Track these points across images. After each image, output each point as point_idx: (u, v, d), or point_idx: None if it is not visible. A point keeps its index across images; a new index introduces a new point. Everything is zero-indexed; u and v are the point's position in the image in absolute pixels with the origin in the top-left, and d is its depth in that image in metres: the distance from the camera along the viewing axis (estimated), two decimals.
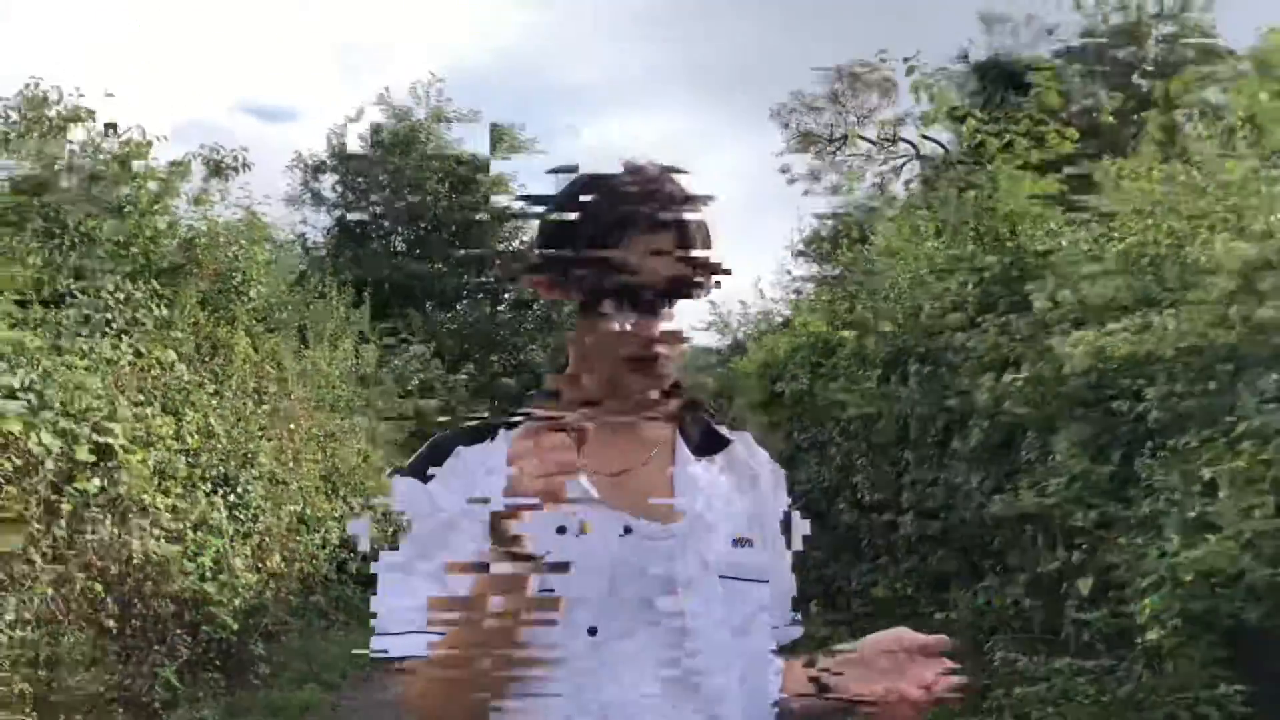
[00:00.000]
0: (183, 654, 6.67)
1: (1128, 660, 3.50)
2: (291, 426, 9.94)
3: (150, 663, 6.34)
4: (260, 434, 8.88)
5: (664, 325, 1.35)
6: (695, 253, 1.35)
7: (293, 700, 7.41)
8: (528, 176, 25.99)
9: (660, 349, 1.35)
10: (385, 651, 1.35)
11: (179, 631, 6.70)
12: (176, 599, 6.72)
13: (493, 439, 1.43)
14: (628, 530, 1.36)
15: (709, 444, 1.49)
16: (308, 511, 9.79)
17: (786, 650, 1.47)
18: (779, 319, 19.50)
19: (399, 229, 25.73)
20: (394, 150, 24.79)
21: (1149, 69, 30.49)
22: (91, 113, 6.20)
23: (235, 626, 7.28)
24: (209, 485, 7.55)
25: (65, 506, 5.28)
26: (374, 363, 15.40)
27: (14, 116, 6.05)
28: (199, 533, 7.16)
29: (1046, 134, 6.42)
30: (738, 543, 1.41)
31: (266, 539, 8.58)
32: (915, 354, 6.25)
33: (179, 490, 6.87)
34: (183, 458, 7.05)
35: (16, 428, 4.90)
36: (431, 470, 1.39)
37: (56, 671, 5.24)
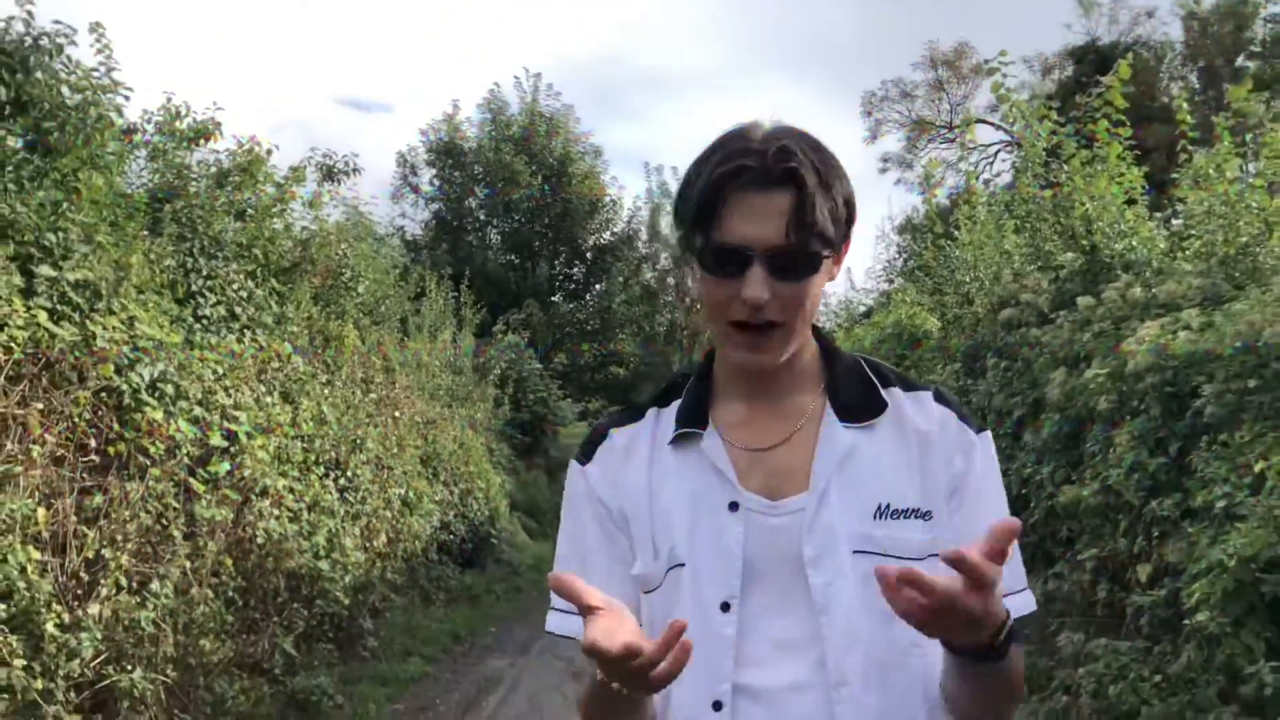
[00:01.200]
0: (299, 626, 7.16)
1: (1180, 641, 3.72)
2: (396, 414, 10.47)
3: (269, 633, 6.84)
4: (368, 421, 9.40)
5: (758, 288, 1.29)
6: (804, 219, 1.28)
7: (400, 672, 7.90)
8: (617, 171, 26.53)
9: (744, 312, 1.30)
10: (552, 628, 1.46)
11: (296, 605, 7.21)
12: (293, 575, 7.22)
13: (641, 419, 1.49)
14: (733, 506, 1.35)
15: (863, 409, 1.40)
16: (410, 494, 10.29)
17: (1020, 623, 1.28)
18: (862, 309, 19.61)
19: (494, 222, 26.32)
20: (488, 146, 25.33)
21: (1256, 49, 29.61)
22: (219, 125, 6.70)
23: (346, 602, 7.79)
24: (321, 469, 8.07)
25: (199, 488, 5.79)
26: (471, 353, 15.91)
27: (150, 130, 6.54)
28: (312, 513, 7.66)
29: (1122, 131, 6.53)
30: (880, 514, 1.34)
31: (373, 520, 9.09)
32: (993, 348, 6.45)
33: (295, 474, 7.39)
34: (299, 443, 7.58)
35: (159, 415, 5.41)
36: (594, 454, 1.48)
37: (191, 637, 5.75)
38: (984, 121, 30.33)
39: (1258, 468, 3.48)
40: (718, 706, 1.30)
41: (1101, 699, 4.10)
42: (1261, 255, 4.78)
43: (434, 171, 26.24)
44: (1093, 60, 29.22)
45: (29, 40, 4.73)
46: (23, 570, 4.25)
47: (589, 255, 26.85)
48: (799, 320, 1.34)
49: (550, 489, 17.76)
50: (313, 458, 7.85)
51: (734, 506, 1.35)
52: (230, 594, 6.29)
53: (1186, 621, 3.63)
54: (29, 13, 4.98)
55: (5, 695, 4.13)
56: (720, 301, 1.33)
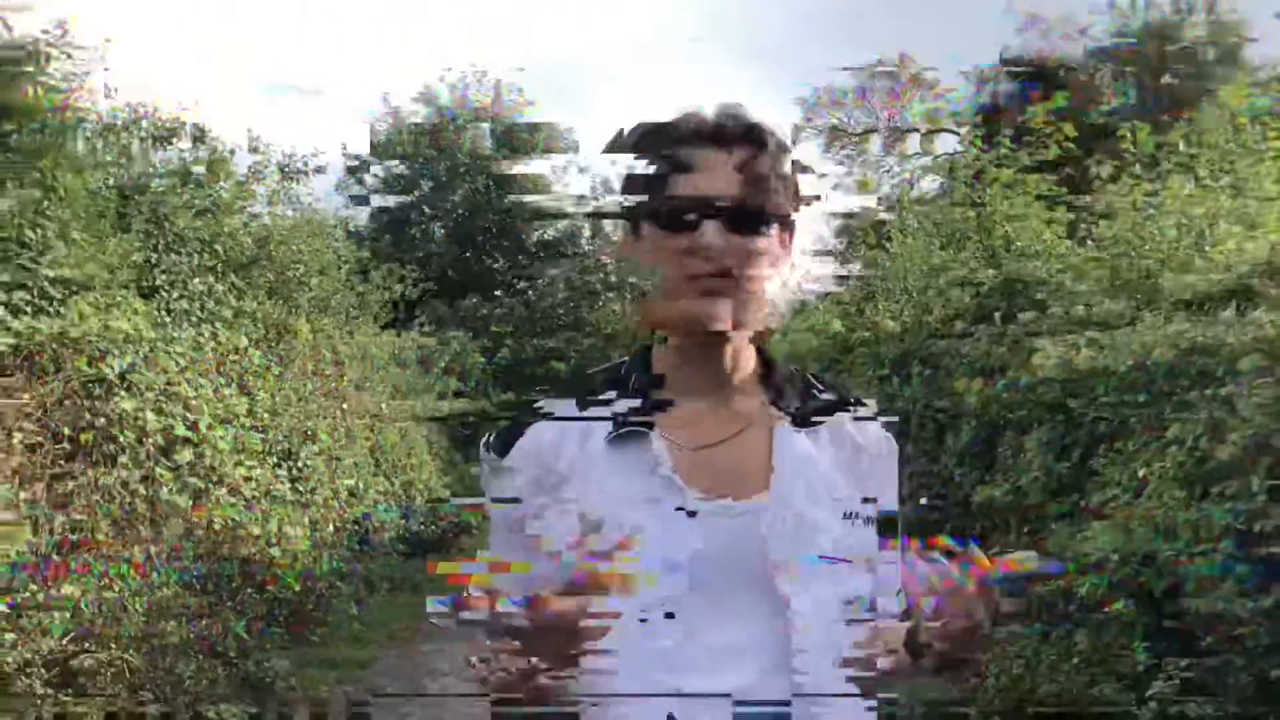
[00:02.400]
0: (251, 610, 7.41)
1: (1074, 626, 4.17)
2: (345, 406, 10.72)
3: (223, 617, 7.08)
4: (318, 412, 9.65)
5: (715, 237, 1.27)
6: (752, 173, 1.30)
7: (349, 656, 8.16)
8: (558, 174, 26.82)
9: (701, 264, 1.28)
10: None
11: (249, 590, 7.46)
12: (246, 561, 7.47)
13: (564, 415, 1.41)
14: (679, 508, 1.29)
15: (811, 413, 1.40)
16: (358, 485, 10.55)
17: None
18: (794, 306, 20.14)
19: (438, 219, 26.49)
20: (429, 144, 25.52)
21: (1180, 68, 30.69)
22: (183, 124, 6.92)
23: (296, 588, 8.04)
24: (274, 459, 8.32)
25: (166, 475, 6.04)
26: (415, 347, 16.14)
27: (119, 126, 6.75)
28: (264, 502, 7.91)
29: (1048, 143, 6.99)
30: (849, 516, 1.34)
31: (323, 510, 9.34)
32: (919, 357, 6.91)
33: (251, 463, 7.63)
34: (254, 434, 7.82)
35: (129, 406, 5.65)
36: (514, 449, 1.38)
37: (153, 618, 5.99)
38: (914, 130, 31.14)
39: (1142, 473, 3.94)
40: None
41: (1004, 680, 4.55)
42: (1160, 281, 5.25)
43: (378, 164, 26.38)
44: (1028, 74, 30.20)
45: (13, 50, 4.95)
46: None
47: (533, 251, 27.15)
48: (753, 280, 1.30)
49: None
50: (267, 448, 8.10)
51: (679, 508, 1.29)
52: (189, 578, 6.54)
53: (1079, 610, 4.08)
54: (5, 24, 5.19)
55: None
56: (673, 257, 1.29)
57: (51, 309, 5.10)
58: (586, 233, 27.57)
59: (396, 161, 26.01)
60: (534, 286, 26.78)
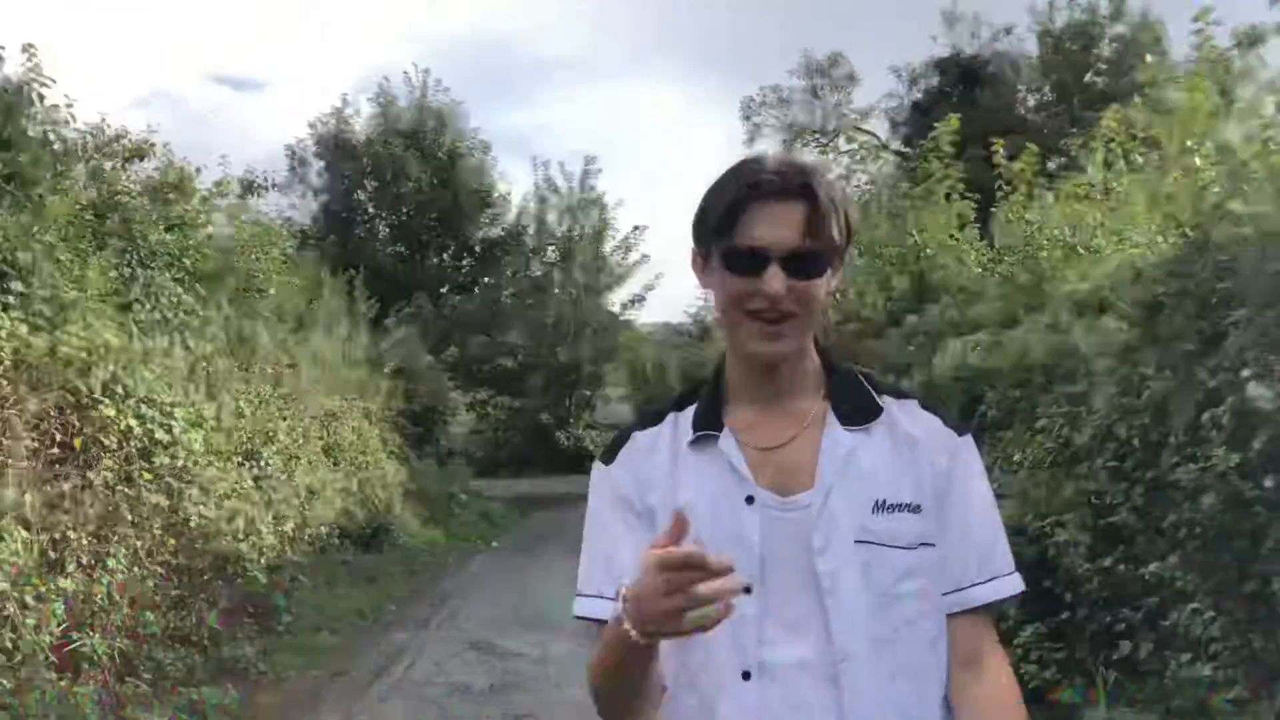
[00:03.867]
0: (222, 602, 7.88)
1: None
2: (301, 407, 11.16)
3: (197, 608, 7.54)
4: (277, 414, 10.09)
5: (777, 283, 1.43)
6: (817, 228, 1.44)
7: (313, 643, 8.65)
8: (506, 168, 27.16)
9: (763, 303, 1.44)
10: (579, 611, 1.57)
11: (220, 583, 7.92)
12: (217, 555, 7.92)
13: (660, 422, 1.63)
14: (749, 500, 1.48)
15: (861, 413, 1.54)
16: (315, 483, 10.99)
17: (1007, 605, 1.55)
18: None
19: (382, 215, 26.73)
20: (377, 140, 25.76)
21: (1102, 68, 31.73)
22: (153, 146, 7.37)
23: (263, 580, 8.51)
24: (239, 459, 8.77)
25: (146, 477, 6.50)
26: (365, 347, 16.45)
27: (88, 148, 7.17)
28: (231, 500, 8.36)
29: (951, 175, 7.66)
30: (878, 509, 1.47)
31: (283, 506, 9.79)
32: (840, 356, 7.55)
33: (220, 464, 8.09)
34: (221, 436, 8.27)
35: (112, 412, 6.12)
36: (618, 455, 1.61)
37: (137, 609, 6.46)
38: (859, 129, 31.97)
39: (1016, 457, 4.60)
40: (747, 676, 1.44)
41: None
42: (1047, 286, 5.92)
43: (322, 164, 26.53)
44: (956, 71, 31.16)
45: (10, 87, 5.40)
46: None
47: (478, 249, 27.47)
48: (809, 316, 1.48)
49: (440, 477, 18.47)
50: (232, 449, 8.55)
51: (750, 500, 1.48)
52: (166, 572, 7.00)
53: None
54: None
55: (0, 654, 4.85)
56: (739, 296, 1.47)
57: (44, 325, 5.56)
58: (531, 230, 28.00)
59: (343, 160, 26.18)
60: (480, 284, 27.14)
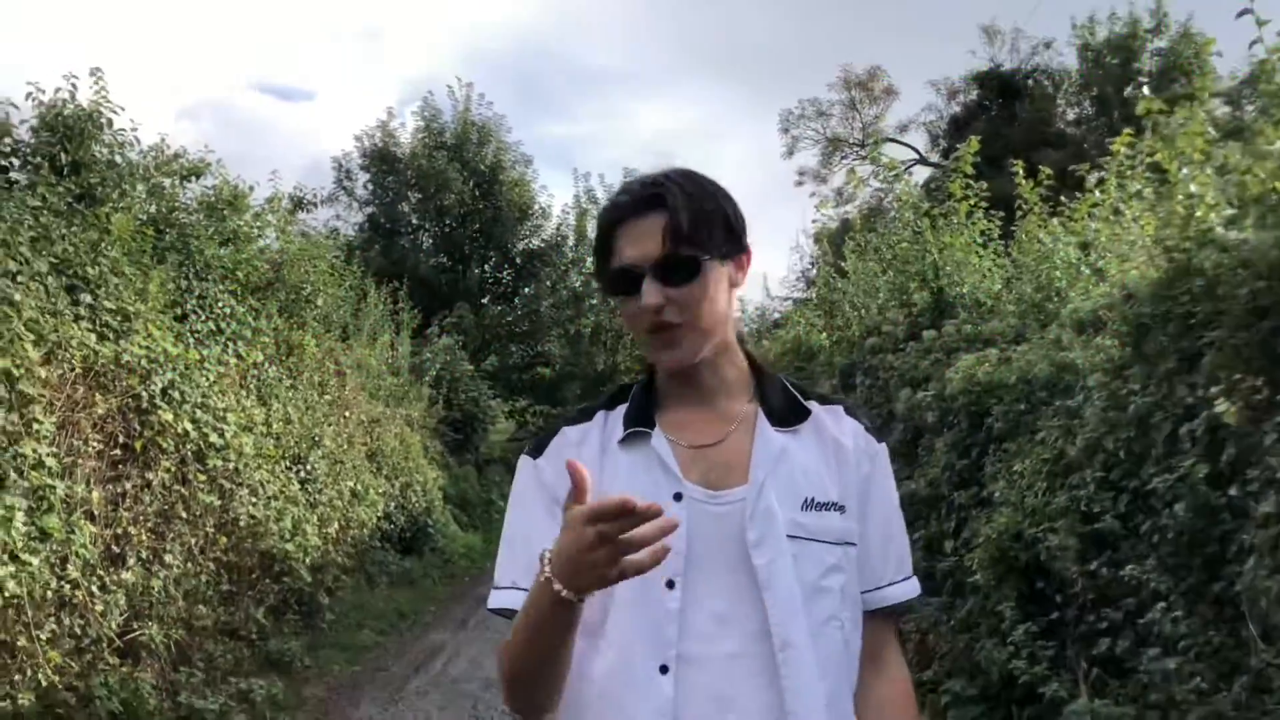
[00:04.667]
0: (269, 599, 8.27)
1: (966, 595, 5.08)
2: (346, 414, 11.57)
3: (245, 604, 7.93)
4: (323, 420, 10.50)
5: (651, 296, 1.47)
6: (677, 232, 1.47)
7: (355, 641, 9.03)
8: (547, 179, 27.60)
9: (649, 319, 1.49)
10: (493, 604, 1.58)
11: (267, 581, 8.31)
12: (265, 554, 8.31)
13: (591, 419, 1.64)
14: (677, 496, 1.50)
15: (791, 415, 1.59)
16: (358, 486, 11.39)
17: (907, 609, 1.61)
18: (776, 315, 21.16)
19: (426, 226, 27.27)
20: (422, 153, 26.29)
21: (1143, 81, 31.63)
22: (209, 164, 7.79)
23: (308, 579, 8.89)
24: (287, 463, 9.17)
25: (200, 478, 6.90)
26: (408, 355, 16.88)
27: (148, 167, 7.60)
28: (278, 501, 8.75)
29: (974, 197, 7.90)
30: (806, 506, 1.51)
31: (328, 509, 10.18)
32: (862, 367, 7.83)
33: (268, 467, 8.49)
34: (270, 440, 8.68)
35: (169, 417, 6.51)
36: (546, 449, 1.62)
37: (190, 603, 6.85)
38: (892, 140, 32.14)
39: (1017, 468, 4.86)
40: (664, 670, 1.43)
41: (916, 642, 5.47)
42: (1052, 305, 6.17)
43: (368, 176, 27.14)
44: (995, 85, 31.29)
45: (82, 114, 5.82)
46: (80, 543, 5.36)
47: (518, 260, 27.92)
48: (699, 319, 1.51)
49: (479, 483, 18.86)
50: (280, 453, 8.95)
51: (678, 496, 1.50)
52: (218, 569, 7.39)
53: (969, 580, 5.00)
54: (74, 86, 6.06)
55: (70, 639, 5.24)
56: (631, 316, 1.53)
57: (110, 335, 5.96)
58: (570, 241, 28.41)
59: (388, 172, 26.75)
60: (519, 294, 27.57)
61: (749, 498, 1.49)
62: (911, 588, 1.63)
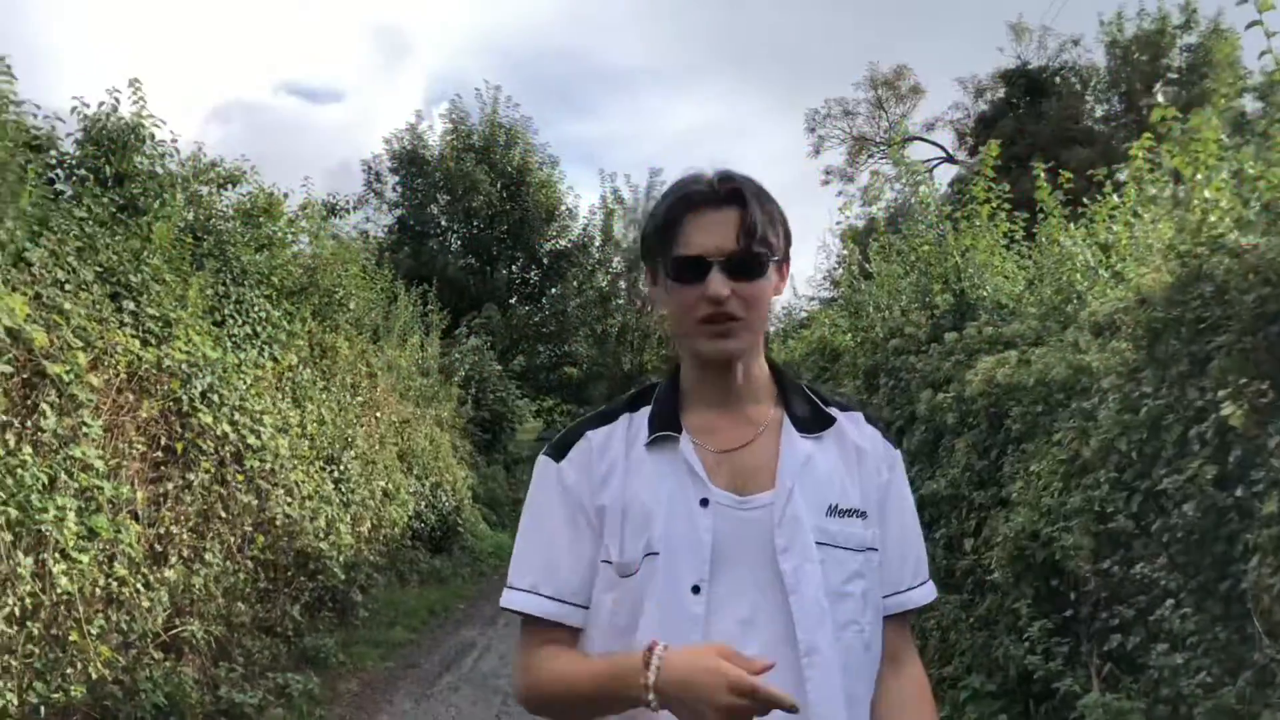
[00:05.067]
0: (304, 596, 8.47)
1: (985, 592, 5.19)
2: (378, 415, 11.78)
3: (281, 602, 8.13)
4: (356, 421, 10.71)
5: (719, 286, 1.49)
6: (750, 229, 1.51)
7: (388, 637, 9.23)
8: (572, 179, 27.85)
9: (709, 308, 1.51)
10: (509, 604, 1.60)
11: (302, 578, 8.51)
12: (300, 553, 8.52)
13: (614, 421, 1.64)
14: (704, 502, 1.51)
15: (815, 422, 1.61)
16: (390, 486, 11.60)
17: (925, 611, 1.66)
18: (803, 314, 21.26)
19: (454, 227, 27.55)
20: (450, 155, 26.57)
21: (1173, 78, 31.42)
22: (244, 173, 8.00)
23: (342, 577, 9.10)
24: (321, 463, 9.38)
25: (238, 478, 7.11)
26: (437, 356, 17.08)
27: (185, 174, 7.81)
28: (313, 501, 8.96)
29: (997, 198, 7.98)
30: (831, 512, 1.53)
31: (360, 508, 10.39)
32: (885, 369, 7.94)
33: (303, 467, 8.70)
34: (305, 441, 8.89)
35: (209, 419, 6.72)
36: (569, 452, 1.62)
37: (229, 600, 7.06)
38: (919, 139, 32.14)
39: (1034, 468, 4.96)
40: None
41: (937, 639, 5.59)
42: (1071, 307, 6.25)
43: (397, 178, 27.48)
44: (1022, 83, 31.21)
45: (125, 127, 6.03)
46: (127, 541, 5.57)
47: (545, 260, 28.16)
48: (755, 317, 1.54)
49: (508, 483, 19.07)
50: (315, 453, 9.16)
51: (705, 502, 1.51)
52: (255, 567, 7.60)
53: (989, 579, 5.11)
54: (116, 100, 6.28)
55: (118, 634, 5.45)
56: (688, 304, 1.53)
57: (153, 340, 6.17)
58: (597, 241, 28.61)
59: (416, 175, 27.05)
60: (547, 295, 27.80)
61: (777, 504, 1.52)
62: (928, 592, 1.68)
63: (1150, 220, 6.15)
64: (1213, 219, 4.42)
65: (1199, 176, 4.78)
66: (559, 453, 1.63)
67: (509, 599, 1.60)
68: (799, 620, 1.47)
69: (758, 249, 1.52)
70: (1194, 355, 4.03)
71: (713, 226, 1.52)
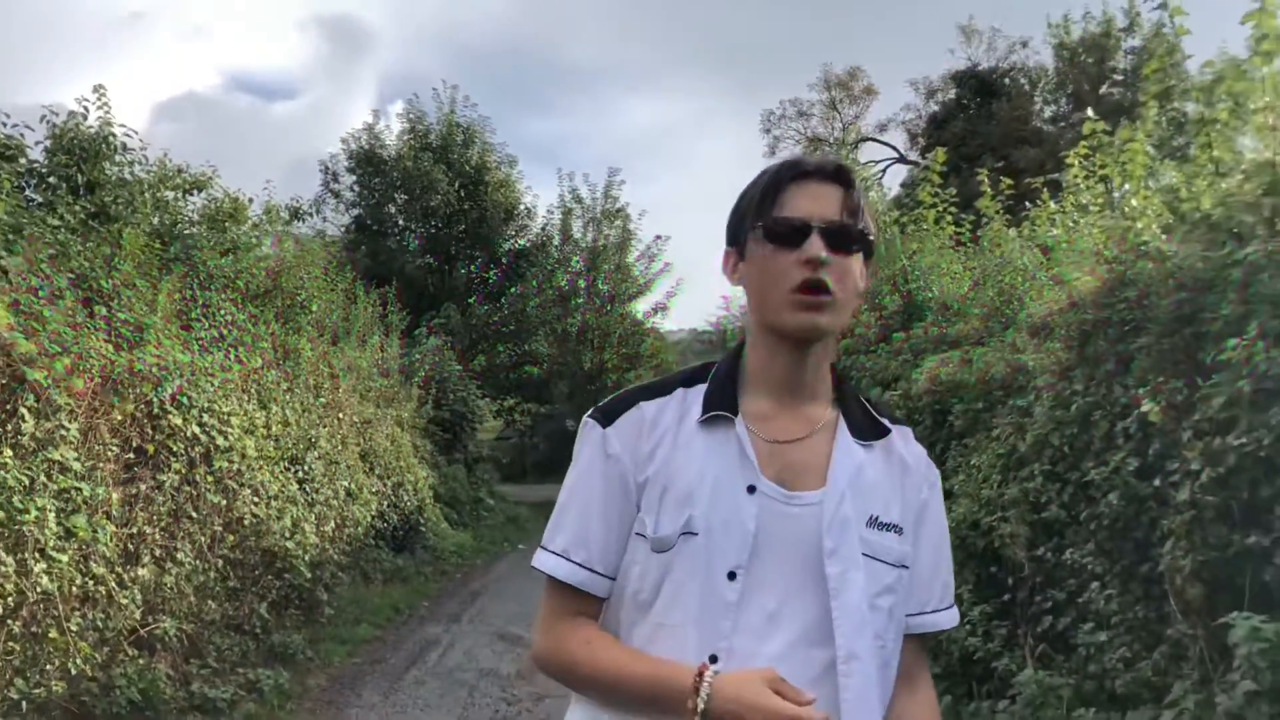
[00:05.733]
0: (271, 595, 8.61)
1: None
2: (340, 415, 11.91)
3: (248, 601, 8.28)
4: (319, 422, 10.83)
5: (818, 248, 1.47)
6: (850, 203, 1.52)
7: (354, 634, 9.39)
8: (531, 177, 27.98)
9: (805, 272, 1.47)
10: (539, 564, 1.58)
11: (269, 577, 8.65)
12: (267, 552, 8.66)
13: (669, 395, 1.60)
14: (751, 489, 1.49)
15: (870, 430, 1.60)
16: (353, 486, 11.73)
17: (940, 636, 1.60)
18: None
19: (412, 227, 27.60)
20: (407, 155, 26.62)
21: (1118, 79, 32.11)
22: (209, 178, 8.13)
23: (308, 576, 9.24)
24: (286, 464, 9.51)
25: (208, 480, 7.25)
26: (397, 356, 17.11)
27: (151, 180, 7.94)
28: (278, 501, 9.09)
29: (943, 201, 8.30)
30: (872, 523, 1.51)
31: (324, 508, 10.52)
32: (837, 368, 8.22)
33: (269, 468, 8.83)
34: (271, 443, 9.03)
35: (179, 421, 6.86)
36: (618, 420, 1.58)
37: (200, 598, 7.20)
38: (872, 139, 32.67)
39: (974, 462, 5.26)
40: (714, 659, 1.42)
41: None
42: (1010, 309, 6.57)
43: (354, 178, 27.47)
44: (973, 84, 31.78)
45: (97, 135, 6.17)
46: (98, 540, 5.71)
47: (504, 260, 28.27)
48: (847, 296, 1.52)
49: (469, 482, 19.19)
50: (280, 454, 9.29)
51: (752, 489, 1.49)
52: (224, 565, 7.74)
53: None
54: (85, 108, 6.41)
55: (94, 631, 5.59)
56: (780, 269, 1.50)
57: (125, 344, 6.31)
58: (556, 240, 28.74)
59: (374, 174, 27.07)
60: (506, 294, 27.91)
61: (828, 505, 1.50)
62: (952, 616, 1.64)
63: (1085, 226, 6.48)
64: (1139, 226, 4.73)
65: (1127, 186, 5.09)
66: (607, 418, 1.59)
67: (540, 559, 1.59)
68: (839, 625, 1.44)
69: (859, 224, 1.52)
70: (1120, 355, 4.33)
71: (819, 195, 1.52)
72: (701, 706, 1.32)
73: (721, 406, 1.54)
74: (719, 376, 1.60)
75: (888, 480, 1.56)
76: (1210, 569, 3.33)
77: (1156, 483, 3.79)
